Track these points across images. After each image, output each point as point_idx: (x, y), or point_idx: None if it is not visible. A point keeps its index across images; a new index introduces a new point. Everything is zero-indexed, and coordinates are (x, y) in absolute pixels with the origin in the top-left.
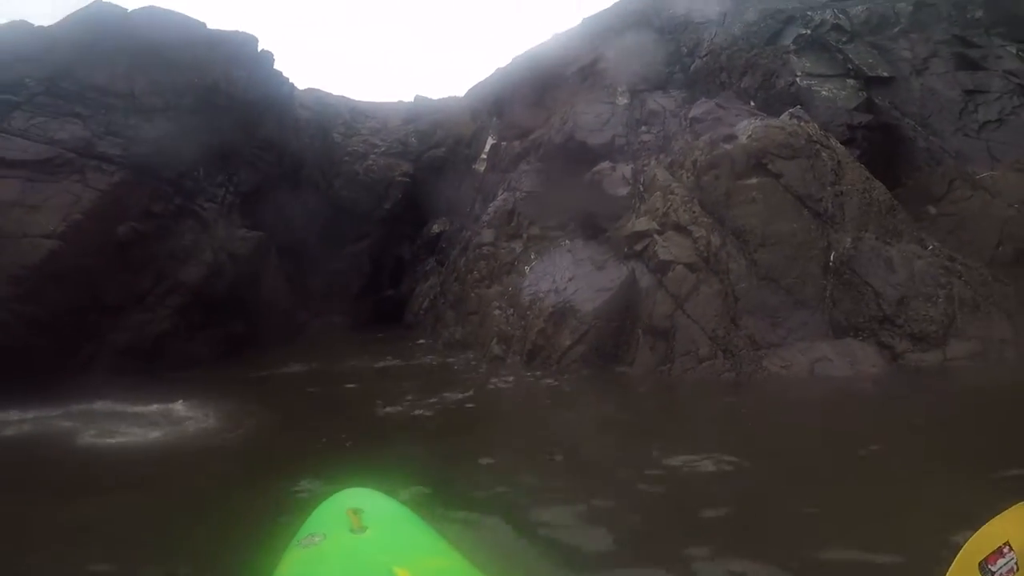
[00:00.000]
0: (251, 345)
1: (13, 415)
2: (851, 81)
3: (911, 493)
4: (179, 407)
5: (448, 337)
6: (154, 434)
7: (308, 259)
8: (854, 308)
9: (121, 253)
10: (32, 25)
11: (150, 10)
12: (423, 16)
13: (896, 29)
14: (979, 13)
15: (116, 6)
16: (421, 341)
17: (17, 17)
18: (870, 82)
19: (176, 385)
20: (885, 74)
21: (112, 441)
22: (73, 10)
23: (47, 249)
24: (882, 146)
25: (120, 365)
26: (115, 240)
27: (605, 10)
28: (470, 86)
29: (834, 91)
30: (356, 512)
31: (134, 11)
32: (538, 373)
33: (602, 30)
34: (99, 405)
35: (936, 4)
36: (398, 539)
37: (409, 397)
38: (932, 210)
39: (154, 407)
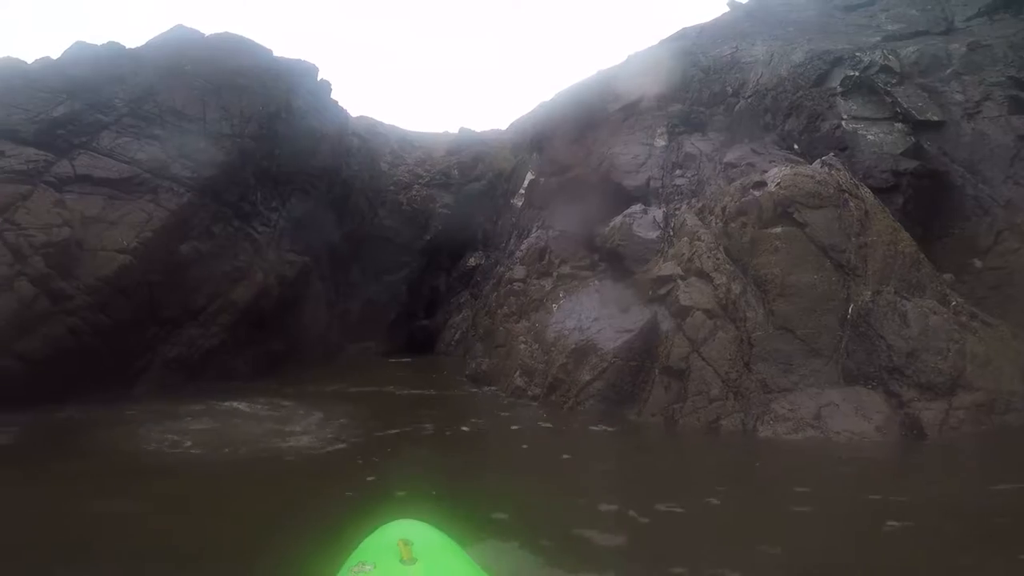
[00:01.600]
0: (288, 364)
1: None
2: (899, 125)
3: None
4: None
5: (475, 368)
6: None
7: (347, 285)
8: (867, 359)
9: (182, 270)
10: (123, 47)
11: (225, 36)
12: (475, 46)
13: (948, 71)
14: None
15: (195, 31)
16: (449, 372)
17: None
18: (919, 126)
19: (228, 395)
20: (935, 118)
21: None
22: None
23: (119, 263)
24: (928, 193)
25: (165, 375)
26: (177, 258)
27: (651, 48)
28: (514, 118)
29: (881, 135)
30: (406, 543)
31: (211, 36)
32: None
33: (647, 68)
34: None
35: (992, 44)
36: (446, 572)
37: (434, 422)
38: (978, 263)
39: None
